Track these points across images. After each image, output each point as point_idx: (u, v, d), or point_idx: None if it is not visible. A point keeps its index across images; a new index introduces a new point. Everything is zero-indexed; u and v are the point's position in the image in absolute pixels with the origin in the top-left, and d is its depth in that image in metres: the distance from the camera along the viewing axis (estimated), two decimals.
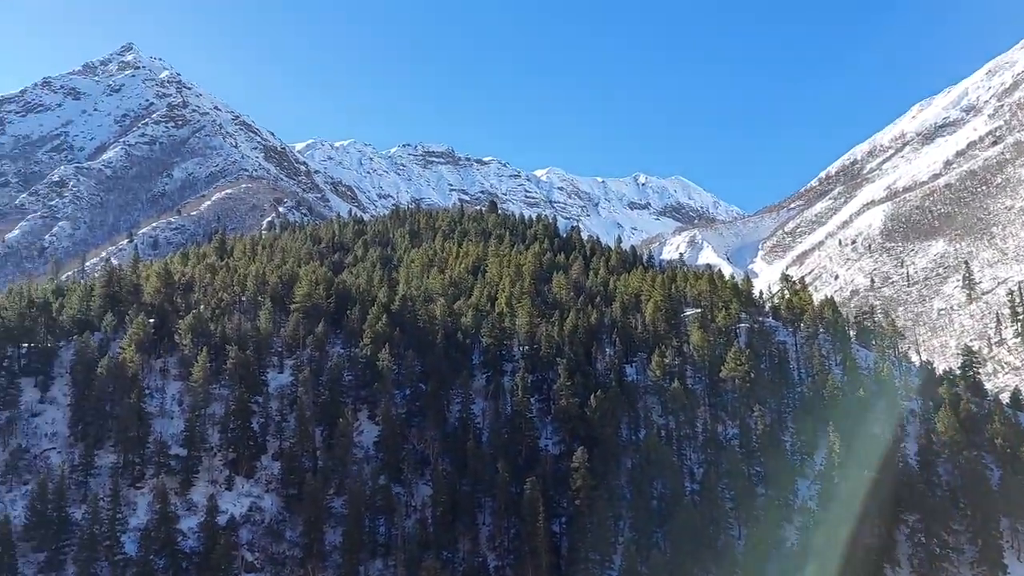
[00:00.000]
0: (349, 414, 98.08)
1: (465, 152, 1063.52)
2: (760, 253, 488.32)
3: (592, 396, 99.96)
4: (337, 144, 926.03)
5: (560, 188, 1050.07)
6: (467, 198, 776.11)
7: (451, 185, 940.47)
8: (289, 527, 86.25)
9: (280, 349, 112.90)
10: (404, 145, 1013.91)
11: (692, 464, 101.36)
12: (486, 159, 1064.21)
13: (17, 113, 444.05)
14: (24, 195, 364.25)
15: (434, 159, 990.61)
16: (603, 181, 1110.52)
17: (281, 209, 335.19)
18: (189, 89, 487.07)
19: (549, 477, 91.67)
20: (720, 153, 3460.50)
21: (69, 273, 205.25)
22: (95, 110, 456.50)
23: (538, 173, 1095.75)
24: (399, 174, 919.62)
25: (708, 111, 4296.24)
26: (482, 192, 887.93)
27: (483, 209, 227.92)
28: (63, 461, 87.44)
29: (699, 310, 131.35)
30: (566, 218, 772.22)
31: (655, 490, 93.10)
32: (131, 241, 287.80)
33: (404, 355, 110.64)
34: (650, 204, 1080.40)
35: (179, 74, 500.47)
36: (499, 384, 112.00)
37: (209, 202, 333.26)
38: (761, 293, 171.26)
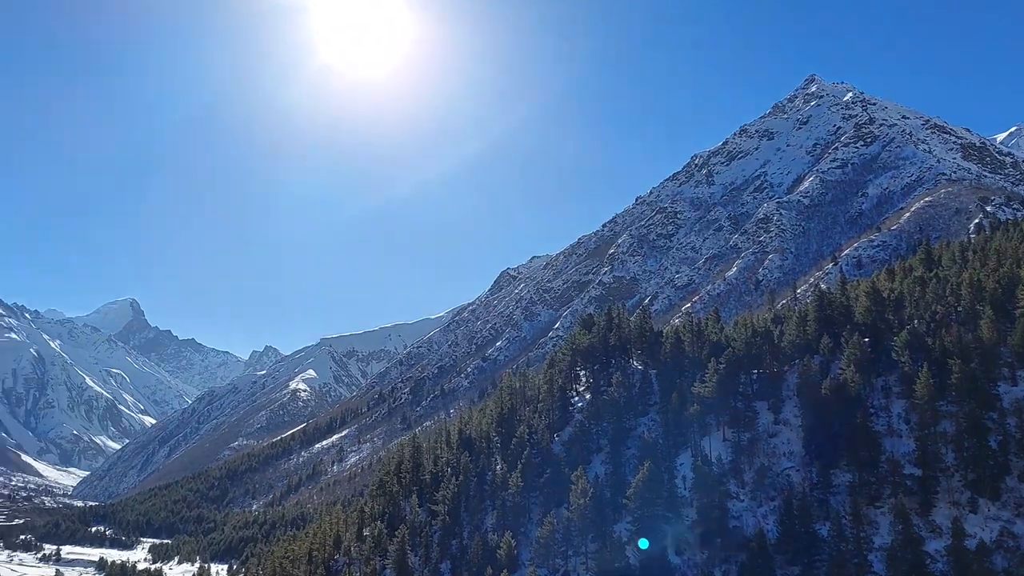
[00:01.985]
0: None
1: None
2: None
3: None
4: None
5: None
6: None
7: None
8: None
9: (1010, 360, 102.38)
10: None
11: None
12: None
13: (722, 163, 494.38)
14: (736, 236, 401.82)
15: None
16: None
17: (988, 208, 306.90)
18: (873, 105, 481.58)
19: None
20: None
21: (783, 301, 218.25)
22: (787, 146, 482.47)
23: None
24: None
25: None
26: None
27: None
28: (803, 479, 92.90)
29: None
30: None
31: None
32: (835, 264, 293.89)
33: None
34: None
35: (862, 93, 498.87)
36: None
37: (908, 214, 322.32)
38: None
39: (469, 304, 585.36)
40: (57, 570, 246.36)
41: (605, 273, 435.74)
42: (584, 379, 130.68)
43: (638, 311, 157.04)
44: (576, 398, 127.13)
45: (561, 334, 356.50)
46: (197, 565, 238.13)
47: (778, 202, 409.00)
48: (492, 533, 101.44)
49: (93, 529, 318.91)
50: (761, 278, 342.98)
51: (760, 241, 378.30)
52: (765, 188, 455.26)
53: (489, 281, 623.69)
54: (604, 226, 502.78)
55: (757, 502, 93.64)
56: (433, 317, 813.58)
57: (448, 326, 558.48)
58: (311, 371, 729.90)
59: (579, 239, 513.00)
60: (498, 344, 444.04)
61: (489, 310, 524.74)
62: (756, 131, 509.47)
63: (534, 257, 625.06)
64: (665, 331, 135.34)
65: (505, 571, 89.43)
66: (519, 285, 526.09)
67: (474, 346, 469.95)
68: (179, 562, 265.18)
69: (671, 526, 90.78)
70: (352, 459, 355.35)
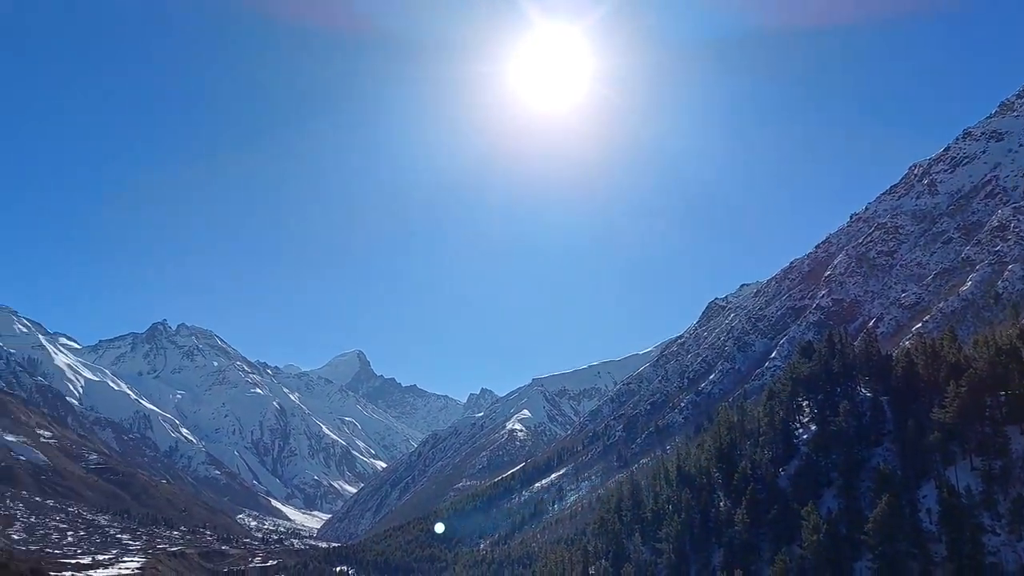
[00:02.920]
0: None
1: None
2: None
3: None
4: None
5: None
6: None
7: None
8: None
9: None
10: None
11: None
12: None
13: (945, 171, 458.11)
14: (968, 247, 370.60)
15: None
16: None
17: None
18: None
19: None
20: None
21: None
22: (1020, 146, 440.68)
23: None
24: None
25: None
26: None
27: None
28: None
29: None
30: None
31: None
32: None
33: None
34: None
35: None
36: None
37: None
38: None
39: (678, 337, 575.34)
40: None
41: (822, 297, 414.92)
42: (807, 409, 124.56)
43: (862, 335, 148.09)
44: (800, 429, 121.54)
45: (779, 364, 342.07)
46: None
47: (1014, 207, 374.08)
48: (720, 571, 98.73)
49: (337, 569, 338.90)
50: (1001, 291, 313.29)
51: (996, 251, 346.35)
52: (997, 194, 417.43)
53: (695, 312, 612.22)
54: (817, 247, 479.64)
55: (1016, 535, 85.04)
56: (641, 353, 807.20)
57: (657, 361, 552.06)
58: (525, 411, 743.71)
59: (791, 263, 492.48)
60: (711, 377, 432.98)
61: (699, 342, 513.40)
62: (982, 133, 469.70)
63: (743, 285, 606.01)
64: (895, 354, 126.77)
65: None
66: (729, 315, 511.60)
67: (686, 380, 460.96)
68: None
69: (918, 563, 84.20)
70: (571, 497, 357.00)
